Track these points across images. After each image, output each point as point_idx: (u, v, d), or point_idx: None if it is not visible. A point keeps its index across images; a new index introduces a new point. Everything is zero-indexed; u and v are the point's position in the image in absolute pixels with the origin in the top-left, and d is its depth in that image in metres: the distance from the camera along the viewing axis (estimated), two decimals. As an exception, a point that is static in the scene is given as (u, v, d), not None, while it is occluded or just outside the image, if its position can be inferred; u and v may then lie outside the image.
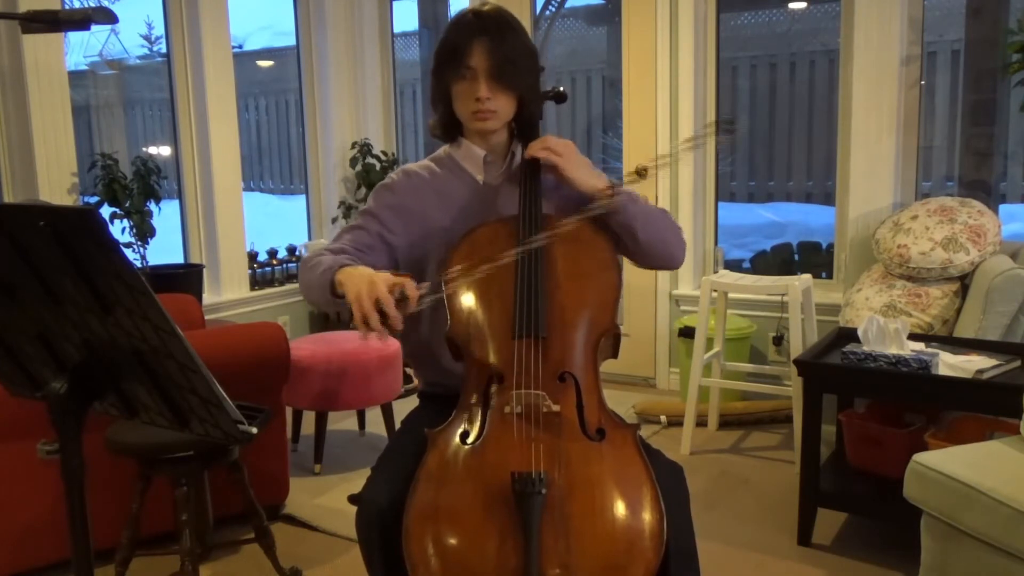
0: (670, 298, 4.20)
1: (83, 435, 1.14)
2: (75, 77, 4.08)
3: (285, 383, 2.78)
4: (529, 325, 1.57)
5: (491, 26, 1.66)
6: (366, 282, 1.45)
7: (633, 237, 1.72)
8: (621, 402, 3.94)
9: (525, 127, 1.80)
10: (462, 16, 1.71)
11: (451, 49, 1.67)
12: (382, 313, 1.42)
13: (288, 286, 4.66)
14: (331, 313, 1.72)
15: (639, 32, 4.14)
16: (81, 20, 1.79)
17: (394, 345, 3.34)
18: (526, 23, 4.48)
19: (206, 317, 3.29)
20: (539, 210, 1.70)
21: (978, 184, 4.25)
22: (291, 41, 4.88)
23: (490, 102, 1.68)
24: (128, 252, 2.95)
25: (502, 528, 1.38)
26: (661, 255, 1.77)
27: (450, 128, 1.80)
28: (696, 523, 1.58)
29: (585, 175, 1.70)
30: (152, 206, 3.71)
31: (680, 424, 3.59)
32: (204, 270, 4.08)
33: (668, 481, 1.51)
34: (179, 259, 4.26)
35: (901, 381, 2.43)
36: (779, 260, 5.33)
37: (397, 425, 2.17)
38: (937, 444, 2.35)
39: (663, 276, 4.20)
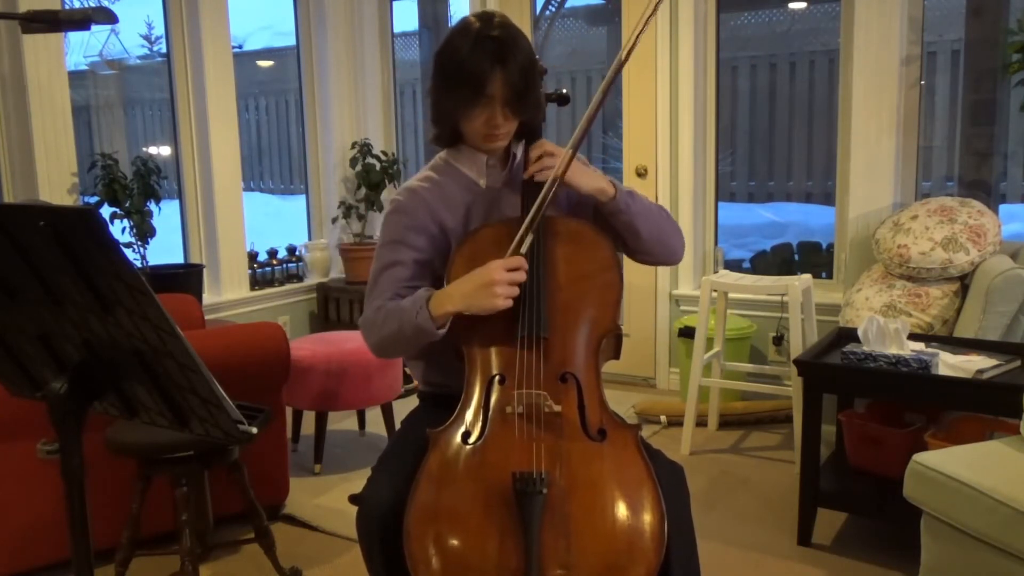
0: (670, 298, 4.20)
1: (83, 435, 1.14)
2: (75, 77, 4.08)
3: (285, 383, 2.78)
4: (531, 325, 1.57)
5: (506, 51, 1.60)
6: (483, 285, 1.54)
7: (635, 235, 1.73)
8: (621, 402, 3.94)
9: (527, 129, 1.79)
10: (475, 35, 1.62)
11: (468, 75, 1.60)
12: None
13: (288, 286, 4.66)
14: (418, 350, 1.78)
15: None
16: (81, 20, 1.79)
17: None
18: (526, 23, 4.48)
19: (206, 317, 3.29)
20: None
21: (978, 184, 4.25)
22: (291, 41, 4.88)
23: (504, 127, 1.67)
24: (128, 252, 2.95)
25: (503, 528, 1.38)
26: (662, 251, 1.77)
27: (453, 139, 1.78)
28: (696, 523, 1.58)
29: (586, 178, 1.69)
30: (152, 206, 3.71)
31: (680, 424, 3.59)
32: (204, 270, 4.08)
33: (669, 481, 1.51)
34: (179, 259, 4.26)
35: (901, 381, 2.42)
36: (779, 260, 5.33)
37: (397, 425, 2.17)
38: (937, 444, 2.35)
39: (663, 276, 4.20)
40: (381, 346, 1.68)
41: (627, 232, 1.73)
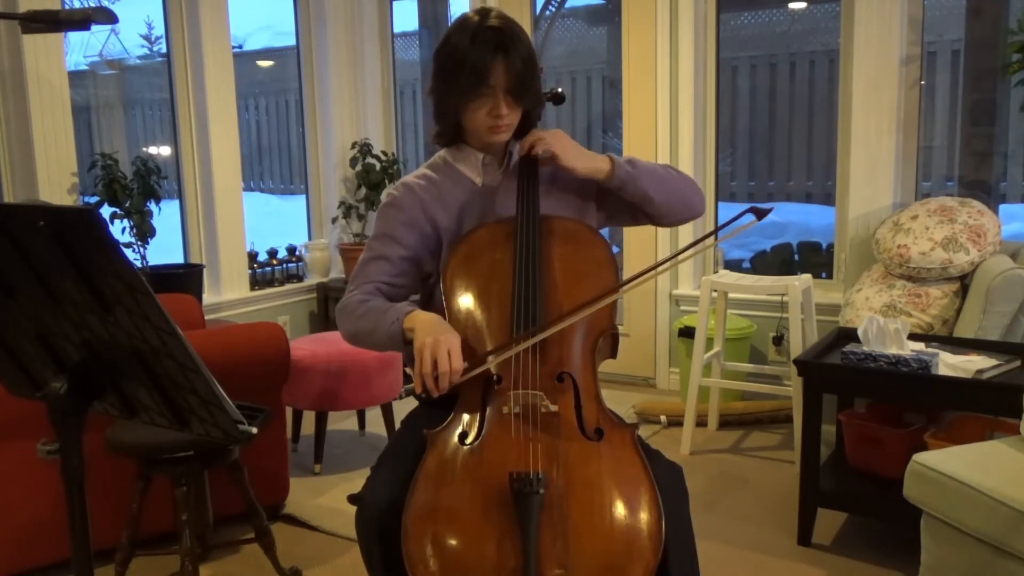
0: (670, 298, 4.20)
1: (83, 435, 1.14)
2: (75, 77, 4.08)
3: (285, 383, 2.78)
4: (527, 325, 1.57)
5: (506, 41, 1.62)
6: (431, 339, 1.49)
7: (648, 200, 1.73)
8: (621, 402, 3.94)
9: (525, 127, 1.80)
10: (474, 28, 1.63)
11: (470, 67, 1.62)
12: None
13: (288, 286, 4.66)
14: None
15: (639, 32, 4.14)
16: (81, 20, 1.79)
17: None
18: (526, 23, 4.48)
19: (206, 317, 3.29)
20: (537, 211, 1.70)
21: (978, 184, 4.26)
22: (291, 41, 4.88)
23: (507, 117, 1.68)
24: (128, 252, 2.95)
25: (501, 528, 1.38)
26: (681, 208, 1.78)
27: (454, 137, 1.80)
28: (696, 523, 1.58)
29: (582, 159, 1.70)
30: (152, 206, 3.71)
31: (680, 424, 3.59)
32: (204, 270, 4.08)
33: (667, 481, 1.51)
34: (179, 259, 4.26)
35: (901, 381, 2.42)
36: (779, 260, 5.33)
37: (397, 425, 2.18)
38: (937, 444, 2.35)
39: (663, 276, 4.20)
40: (354, 336, 1.71)
41: (640, 200, 1.73)
